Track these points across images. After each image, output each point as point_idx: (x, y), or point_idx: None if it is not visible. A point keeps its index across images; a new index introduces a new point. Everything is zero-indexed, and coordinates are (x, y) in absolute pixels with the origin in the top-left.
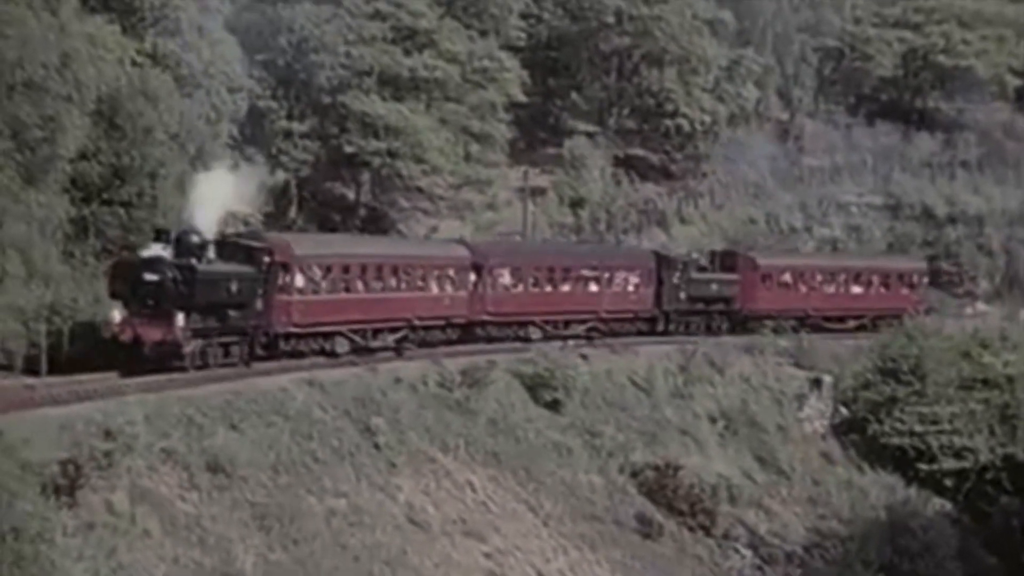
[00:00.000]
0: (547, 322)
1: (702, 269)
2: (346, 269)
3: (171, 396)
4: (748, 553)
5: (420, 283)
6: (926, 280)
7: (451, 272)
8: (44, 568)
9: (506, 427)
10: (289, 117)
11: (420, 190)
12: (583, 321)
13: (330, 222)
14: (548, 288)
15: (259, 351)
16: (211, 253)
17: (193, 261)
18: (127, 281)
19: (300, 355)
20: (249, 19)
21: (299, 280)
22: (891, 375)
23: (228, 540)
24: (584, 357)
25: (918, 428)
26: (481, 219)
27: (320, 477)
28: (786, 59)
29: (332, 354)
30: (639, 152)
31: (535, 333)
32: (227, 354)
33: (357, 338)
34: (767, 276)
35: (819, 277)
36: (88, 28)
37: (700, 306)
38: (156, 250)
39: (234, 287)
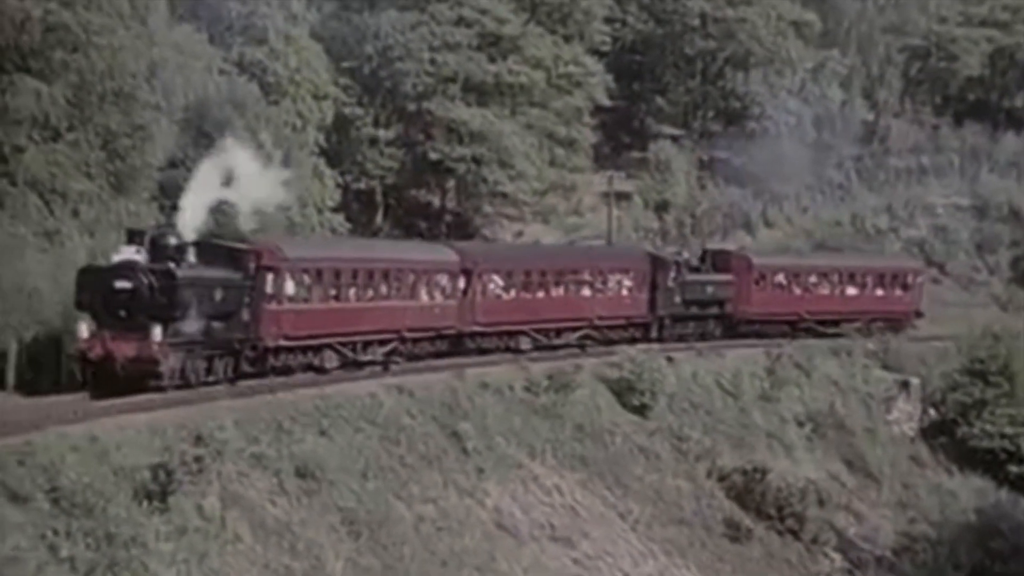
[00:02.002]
0: (538, 331)
1: (695, 270)
2: (337, 275)
3: (260, 401)
4: (837, 557)
5: (411, 291)
6: (921, 280)
7: (441, 278)
8: (137, 573)
9: (593, 432)
10: (375, 124)
11: (505, 196)
12: (575, 329)
13: (416, 228)
14: (540, 294)
15: (245, 367)
16: (191, 257)
17: (171, 266)
18: (96, 290)
19: (288, 371)
20: (335, 27)
21: (290, 287)
22: (979, 376)
23: (318, 545)
24: (670, 360)
25: (1008, 430)
26: (566, 224)
27: (408, 483)
28: (871, 60)
29: (321, 370)
30: (724, 155)
31: (525, 343)
32: (209, 371)
33: (347, 351)
34: (762, 277)
35: (813, 278)
36: (176, 37)
37: (695, 310)
38: (129, 254)
39: (218, 295)
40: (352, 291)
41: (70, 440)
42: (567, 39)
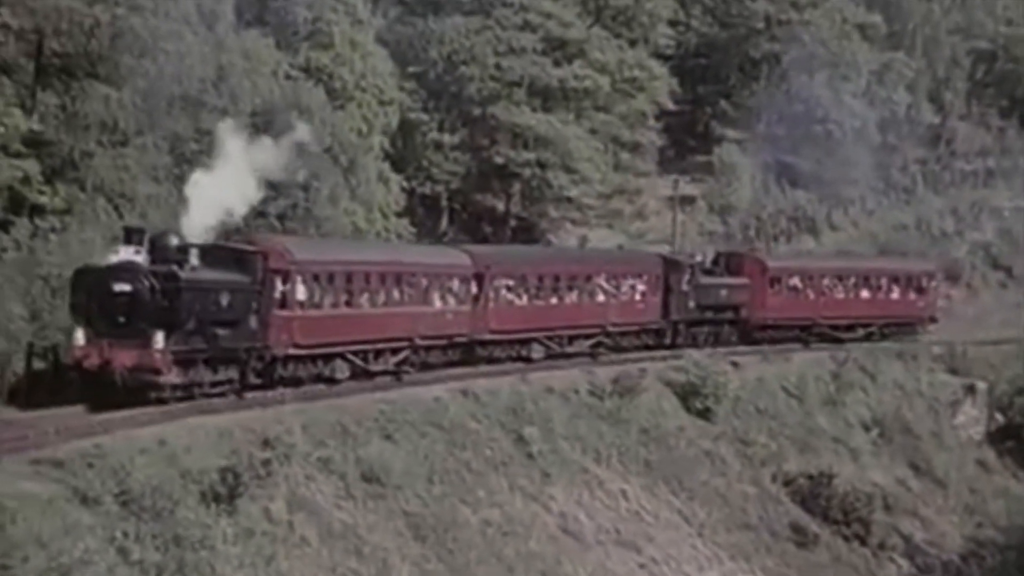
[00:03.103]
0: (551, 338)
1: (709, 273)
2: (349, 278)
3: (326, 405)
4: (904, 562)
5: (423, 296)
6: (936, 284)
7: (453, 283)
8: (205, 574)
9: (658, 436)
10: (440, 129)
11: (570, 200)
12: (588, 336)
13: (480, 233)
14: (553, 300)
15: (252, 378)
16: (194, 259)
17: (174, 268)
18: (92, 293)
19: (298, 382)
20: (400, 32)
21: (300, 291)
22: None
23: (384, 550)
24: (735, 364)
25: None
26: (630, 228)
27: (474, 487)
28: (937, 62)
29: (332, 380)
30: (789, 158)
31: (537, 352)
32: (215, 383)
33: (358, 361)
34: (776, 280)
35: (827, 281)
36: (243, 42)
37: (709, 315)
38: (128, 255)
39: (224, 300)
40: (365, 296)
41: (139, 443)
42: (632, 43)
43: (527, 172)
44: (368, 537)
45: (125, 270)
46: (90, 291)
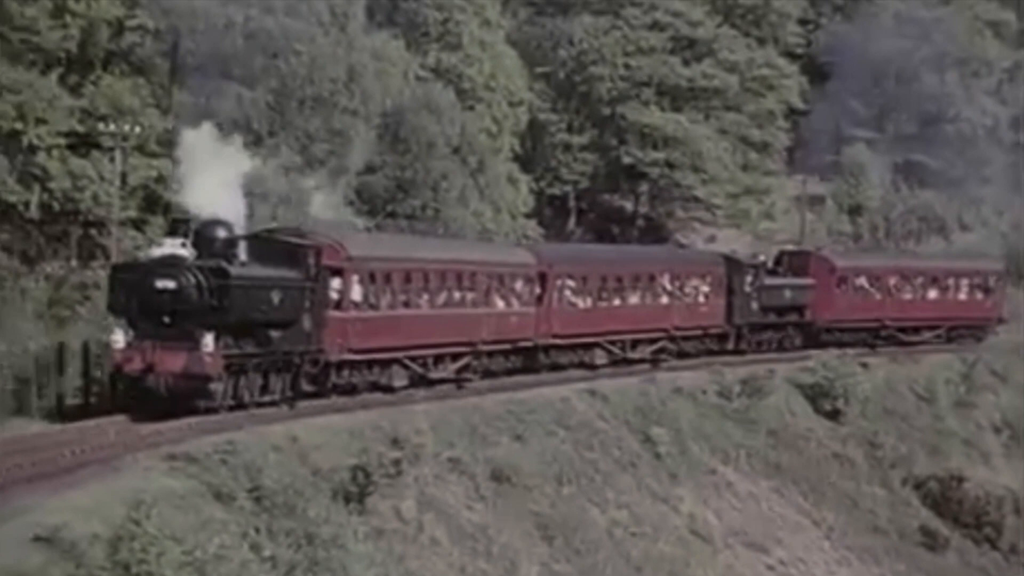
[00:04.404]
0: (614, 343)
1: (772, 273)
2: (407, 277)
3: (455, 404)
4: None
5: (486, 296)
6: (1003, 284)
7: (516, 283)
8: (337, 572)
9: (786, 437)
10: (568, 129)
11: (698, 200)
12: (652, 341)
13: (608, 233)
14: (616, 301)
15: (306, 385)
16: (242, 253)
17: (223, 263)
18: (134, 290)
19: (352, 390)
20: (530, 32)
21: (356, 290)
22: None
23: (513, 550)
24: (864, 365)
25: None
26: (759, 228)
27: (602, 488)
28: None
29: (388, 389)
30: (919, 157)
31: (601, 357)
32: (265, 389)
33: (416, 367)
34: (843, 280)
35: (895, 280)
36: (374, 43)
37: (772, 317)
38: (173, 248)
39: (276, 299)
40: (424, 297)
41: (271, 440)
42: (761, 42)
43: (655, 172)
44: (497, 537)
45: (170, 265)
46: (131, 288)
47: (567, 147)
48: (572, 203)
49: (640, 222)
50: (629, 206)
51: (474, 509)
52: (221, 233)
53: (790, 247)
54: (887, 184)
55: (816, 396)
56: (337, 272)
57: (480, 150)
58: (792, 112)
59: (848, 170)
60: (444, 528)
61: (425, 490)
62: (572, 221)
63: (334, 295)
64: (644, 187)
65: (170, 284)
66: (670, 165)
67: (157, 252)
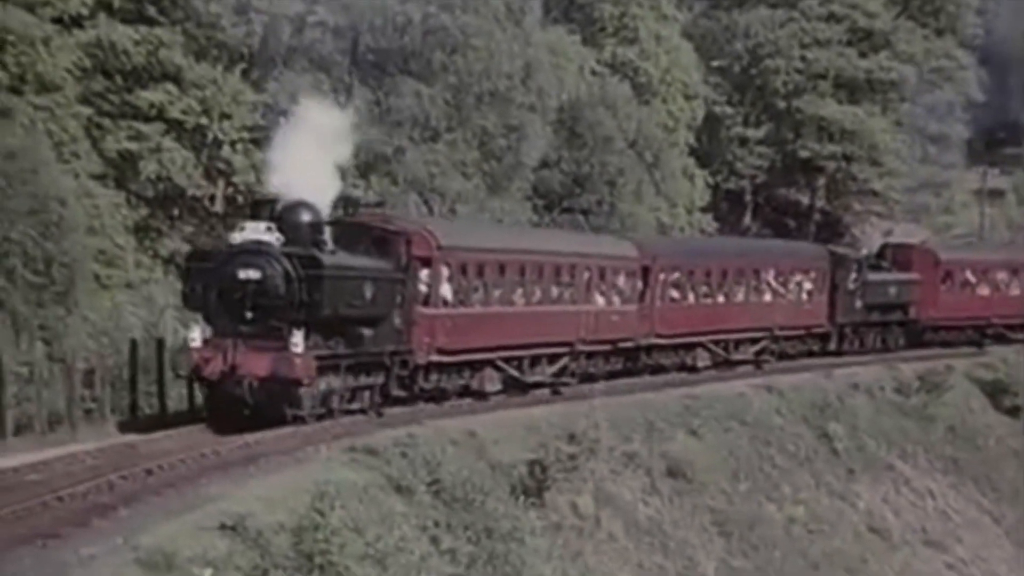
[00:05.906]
0: (716, 343)
1: (875, 268)
2: (502, 269)
3: (631, 399)
4: None
5: (586, 292)
6: None
7: (618, 278)
8: (515, 567)
9: (965, 434)
10: (744, 123)
11: (875, 193)
12: (755, 341)
13: (784, 228)
14: (720, 299)
15: (396, 390)
16: (329, 239)
17: (315, 251)
18: (212, 282)
19: (441, 396)
20: (705, 25)
21: (446, 284)
22: None
23: (690, 546)
24: None
25: None
26: (937, 222)
27: (779, 483)
28: None
29: (481, 394)
30: None
31: (703, 359)
32: (352, 396)
33: (512, 370)
34: (949, 274)
35: (1002, 275)
36: (550, 38)
37: (875, 316)
38: (257, 233)
39: (368, 292)
40: (519, 292)
41: (449, 434)
42: (939, 32)
43: (832, 165)
44: (674, 533)
45: (253, 253)
46: (208, 279)
47: (743, 141)
48: (748, 197)
49: (817, 216)
50: (805, 200)
51: (650, 504)
52: (306, 217)
53: (895, 240)
54: None
55: (996, 392)
56: (426, 263)
57: (656, 145)
58: (972, 104)
59: None
60: (621, 523)
61: (601, 485)
62: (748, 215)
63: (424, 289)
64: (821, 181)
65: (254, 274)
66: (847, 158)
67: (238, 237)
